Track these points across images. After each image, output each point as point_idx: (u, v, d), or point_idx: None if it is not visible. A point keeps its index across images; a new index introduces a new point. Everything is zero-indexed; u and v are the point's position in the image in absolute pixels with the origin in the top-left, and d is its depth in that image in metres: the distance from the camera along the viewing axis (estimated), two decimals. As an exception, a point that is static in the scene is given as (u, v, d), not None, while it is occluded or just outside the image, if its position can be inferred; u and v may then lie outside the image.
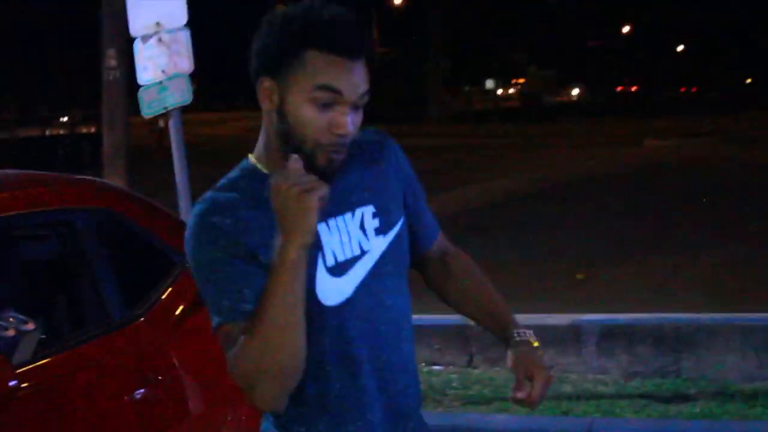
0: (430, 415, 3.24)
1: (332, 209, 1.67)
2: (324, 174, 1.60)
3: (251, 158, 1.70)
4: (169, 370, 3.11)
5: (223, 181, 1.68)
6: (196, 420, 3.15)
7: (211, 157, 12.61)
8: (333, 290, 1.67)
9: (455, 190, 12.89)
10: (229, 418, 3.27)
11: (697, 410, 4.38)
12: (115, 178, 5.97)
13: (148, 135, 20.14)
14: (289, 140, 1.63)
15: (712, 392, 4.54)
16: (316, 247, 1.62)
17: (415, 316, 1.79)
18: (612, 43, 45.82)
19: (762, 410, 4.31)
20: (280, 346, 1.54)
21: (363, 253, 1.70)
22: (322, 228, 1.65)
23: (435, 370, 5.00)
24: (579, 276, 7.02)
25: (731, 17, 38.37)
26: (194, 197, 4.86)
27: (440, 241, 1.85)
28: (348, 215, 1.71)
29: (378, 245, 1.71)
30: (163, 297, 3.22)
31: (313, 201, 1.49)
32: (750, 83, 42.47)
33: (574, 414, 4.41)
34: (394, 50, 35.53)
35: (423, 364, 4.90)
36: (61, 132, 21.89)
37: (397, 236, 1.74)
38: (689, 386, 4.66)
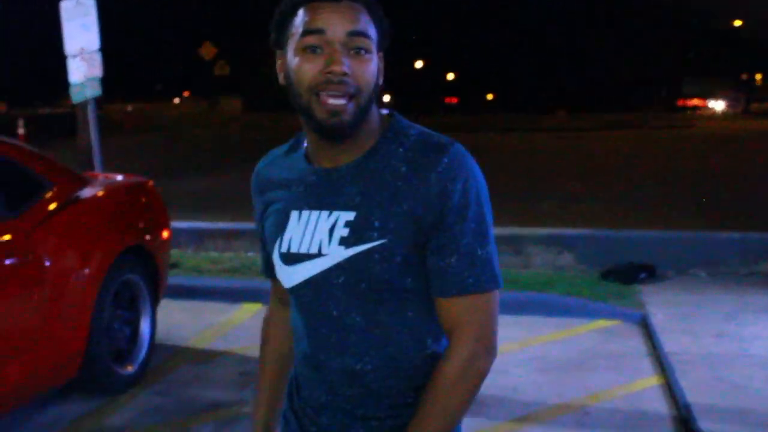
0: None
1: (312, 201, 1.47)
2: (332, 132, 1.39)
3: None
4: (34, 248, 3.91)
5: (281, 147, 1.61)
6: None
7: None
8: (283, 274, 1.52)
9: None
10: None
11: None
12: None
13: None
14: (294, 103, 1.41)
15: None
16: (280, 231, 1.51)
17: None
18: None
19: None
20: None
21: (319, 254, 1.46)
22: (293, 215, 1.50)
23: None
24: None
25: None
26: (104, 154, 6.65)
27: (450, 309, 1.42)
28: (324, 213, 1.46)
29: (337, 254, 1.43)
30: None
31: None
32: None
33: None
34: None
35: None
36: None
37: (366, 254, 1.41)
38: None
